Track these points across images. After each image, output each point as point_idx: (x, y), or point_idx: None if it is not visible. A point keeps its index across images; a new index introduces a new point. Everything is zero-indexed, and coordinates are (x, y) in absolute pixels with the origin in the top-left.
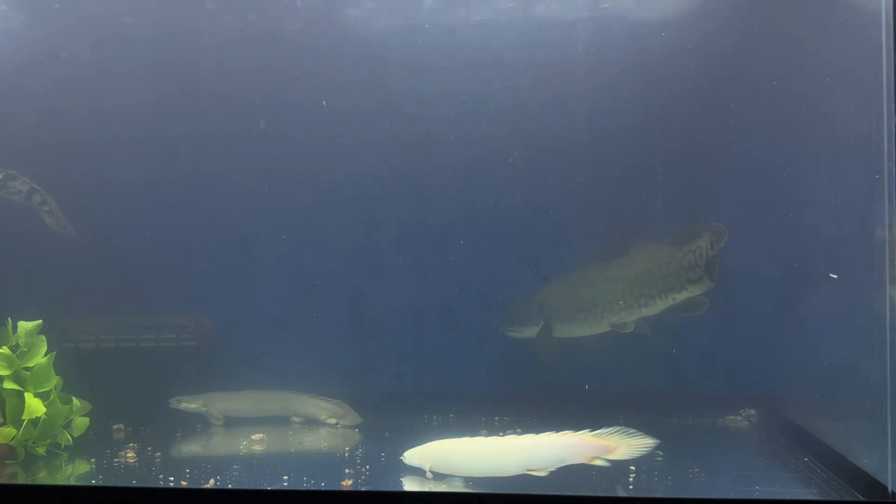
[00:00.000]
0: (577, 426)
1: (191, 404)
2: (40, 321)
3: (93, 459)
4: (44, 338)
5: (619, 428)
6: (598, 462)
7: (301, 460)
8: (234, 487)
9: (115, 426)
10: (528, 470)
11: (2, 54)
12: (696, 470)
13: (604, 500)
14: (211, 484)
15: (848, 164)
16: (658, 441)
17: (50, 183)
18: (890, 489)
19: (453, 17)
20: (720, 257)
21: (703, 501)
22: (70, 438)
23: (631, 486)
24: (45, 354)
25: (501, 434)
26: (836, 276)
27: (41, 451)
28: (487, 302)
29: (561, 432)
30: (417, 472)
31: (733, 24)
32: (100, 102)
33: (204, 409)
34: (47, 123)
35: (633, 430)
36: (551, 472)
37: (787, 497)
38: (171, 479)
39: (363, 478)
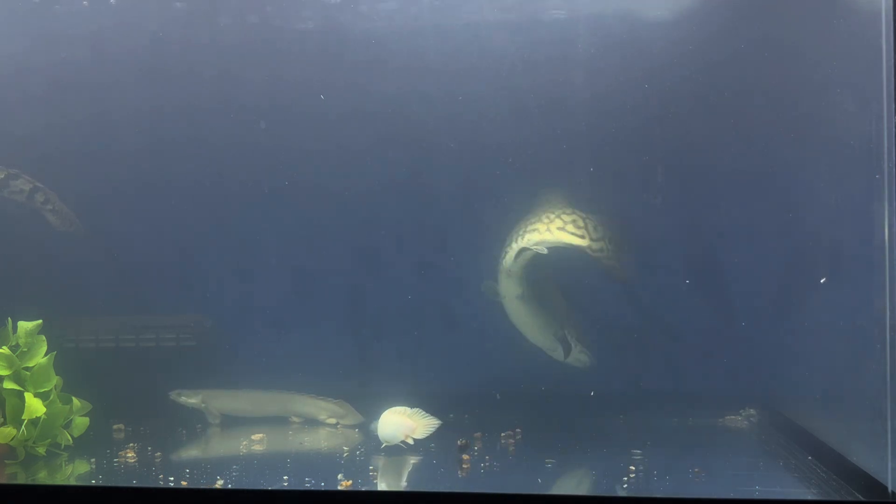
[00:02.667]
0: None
1: (190, 399)
2: (40, 321)
3: (93, 459)
4: (44, 338)
5: (417, 410)
6: (409, 440)
7: (301, 460)
8: (234, 487)
9: (115, 426)
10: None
11: (3, 54)
12: (696, 470)
13: (604, 499)
14: (219, 484)
15: (848, 164)
16: (441, 422)
17: (51, 183)
18: (890, 489)
19: (453, 17)
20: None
21: (703, 501)
22: (70, 438)
23: (629, 486)
24: (45, 354)
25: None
26: (824, 280)
27: (41, 451)
28: (487, 302)
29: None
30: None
31: (733, 25)
32: (101, 103)
33: (203, 405)
34: (49, 124)
35: (424, 412)
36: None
37: (787, 497)
38: (171, 479)
39: (363, 478)
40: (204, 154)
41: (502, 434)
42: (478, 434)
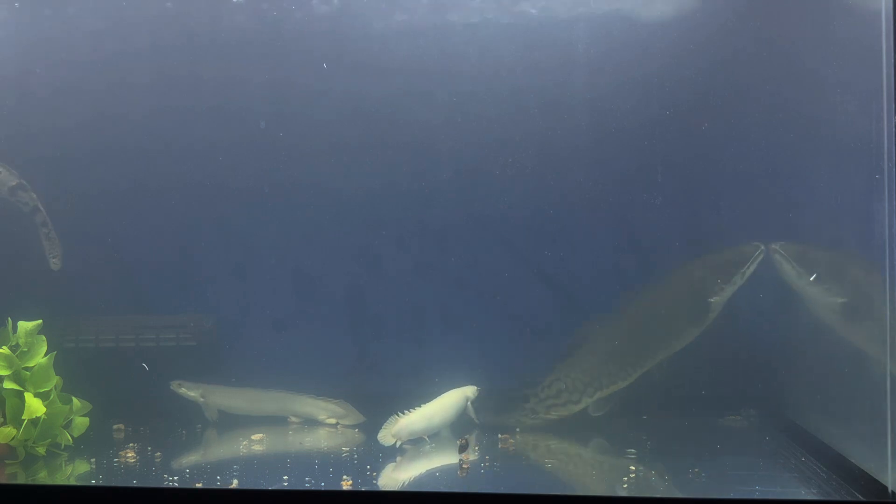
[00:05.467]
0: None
1: (190, 392)
2: (40, 321)
3: (93, 459)
4: (44, 338)
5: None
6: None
7: (301, 460)
8: (234, 487)
9: (115, 426)
10: None
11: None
12: (696, 470)
13: (604, 499)
14: (234, 485)
15: (848, 164)
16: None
17: (53, 181)
18: (890, 489)
19: (453, 17)
20: None
21: (703, 501)
22: (70, 438)
23: (629, 486)
24: (45, 354)
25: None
26: (814, 277)
27: (41, 451)
28: (487, 302)
29: None
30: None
31: (733, 25)
32: (101, 103)
33: (202, 399)
34: (49, 124)
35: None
36: None
37: (787, 497)
38: (172, 479)
39: (363, 478)
40: (204, 154)
41: (500, 435)
42: (472, 436)
